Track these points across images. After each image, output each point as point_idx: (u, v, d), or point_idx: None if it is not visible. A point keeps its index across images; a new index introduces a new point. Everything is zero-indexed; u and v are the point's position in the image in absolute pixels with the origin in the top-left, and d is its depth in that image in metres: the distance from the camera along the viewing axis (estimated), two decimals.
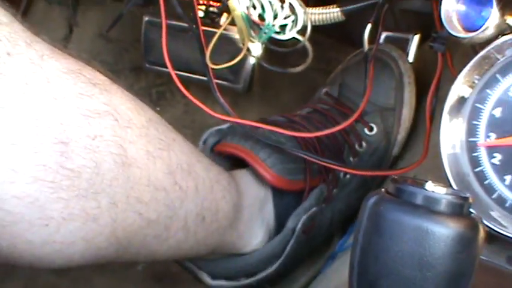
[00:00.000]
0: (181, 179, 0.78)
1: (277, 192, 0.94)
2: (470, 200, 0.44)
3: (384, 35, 0.99)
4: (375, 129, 0.99)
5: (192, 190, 0.80)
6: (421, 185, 0.44)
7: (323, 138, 0.94)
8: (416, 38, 0.99)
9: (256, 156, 0.91)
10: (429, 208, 0.43)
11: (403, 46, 0.99)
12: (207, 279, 0.96)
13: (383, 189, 0.45)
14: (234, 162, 0.95)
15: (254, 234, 0.94)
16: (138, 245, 0.76)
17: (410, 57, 0.99)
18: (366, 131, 0.99)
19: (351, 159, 0.97)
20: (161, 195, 0.75)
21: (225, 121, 0.93)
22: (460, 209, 0.43)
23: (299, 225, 0.92)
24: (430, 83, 0.79)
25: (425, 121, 0.79)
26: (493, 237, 0.64)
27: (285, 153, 0.92)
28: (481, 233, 0.44)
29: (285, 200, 0.94)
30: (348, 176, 0.98)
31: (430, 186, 0.44)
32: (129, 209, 0.72)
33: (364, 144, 0.98)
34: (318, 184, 0.95)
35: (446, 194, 0.43)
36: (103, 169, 0.68)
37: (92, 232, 0.69)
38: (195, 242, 0.83)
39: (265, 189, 0.94)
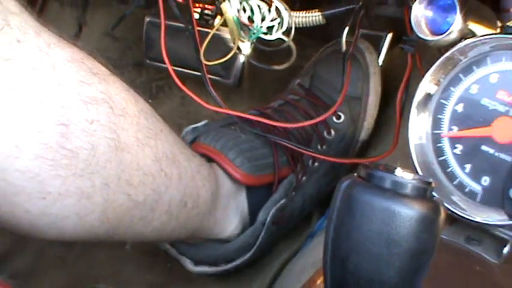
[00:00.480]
0: (167, 167, 0.77)
1: (249, 186, 0.92)
2: (433, 185, 0.43)
3: (359, 32, 0.98)
4: (342, 118, 0.96)
5: (176, 177, 0.79)
6: (391, 171, 0.44)
7: (292, 130, 0.92)
8: (389, 36, 0.99)
9: (225, 156, 0.89)
10: (396, 191, 0.42)
11: (377, 43, 0.99)
12: (190, 266, 0.94)
13: (355, 174, 0.45)
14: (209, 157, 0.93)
15: (229, 221, 0.92)
16: (126, 225, 0.75)
17: (383, 54, 0.99)
18: (334, 119, 0.96)
19: (319, 147, 0.95)
20: (149, 180, 0.74)
21: (210, 116, 0.93)
22: (423, 193, 0.43)
23: (268, 218, 0.90)
24: (401, 81, 0.78)
25: (396, 114, 0.79)
26: (453, 219, 0.65)
27: (253, 151, 0.90)
28: (442, 215, 0.43)
29: (257, 192, 0.92)
30: (316, 164, 0.95)
31: (399, 172, 0.44)
32: (120, 191, 0.71)
33: (332, 132, 0.96)
34: (287, 175, 0.93)
35: (411, 179, 0.43)
36: (98, 152, 0.67)
37: (85, 209, 0.68)
38: (177, 225, 0.82)
39: (238, 182, 0.92)
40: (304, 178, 0.95)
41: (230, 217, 0.92)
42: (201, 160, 0.87)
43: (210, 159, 0.91)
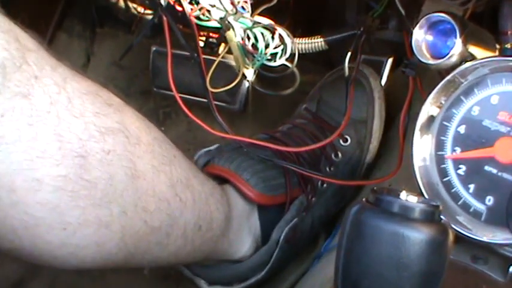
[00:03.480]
0: (181, 192, 0.77)
1: (262, 206, 0.92)
2: (441, 208, 0.43)
3: (362, 57, 0.98)
4: (349, 141, 0.97)
5: (190, 202, 0.79)
6: (396, 194, 0.43)
7: (302, 152, 0.92)
8: (390, 61, 0.99)
9: (239, 177, 0.89)
10: (405, 215, 0.42)
11: (378, 68, 0.99)
12: (204, 286, 0.94)
13: (364, 199, 0.44)
14: (221, 180, 0.92)
15: (242, 242, 0.92)
16: (143, 250, 0.75)
17: (384, 78, 0.98)
18: (341, 142, 0.97)
19: (327, 169, 0.95)
20: (164, 205, 0.74)
21: (216, 141, 0.93)
22: (431, 216, 0.42)
23: (282, 237, 0.90)
24: (402, 103, 0.78)
25: (398, 136, 0.78)
26: (459, 238, 0.64)
27: (267, 171, 0.91)
28: (450, 237, 0.43)
29: (269, 212, 0.92)
30: (325, 185, 0.95)
31: (403, 195, 0.43)
32: (137, 217, 0.71)
33: (339, 154, 0.96)
34: (298, 195, 0.92)
35: (419, 202, 0.42)
36: (115, 180, 0.67)
37: (104, 237, 0.68)
38: (192, 249, 0.82)
39: (251, 203, 0.92)
40: (313, 199, 0.94)
41: (243, 238, 0.92)
42: (213, 184, 0.87)
43: (223, 181, 0.90)
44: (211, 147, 0.95)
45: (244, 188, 0.89)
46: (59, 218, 0.64)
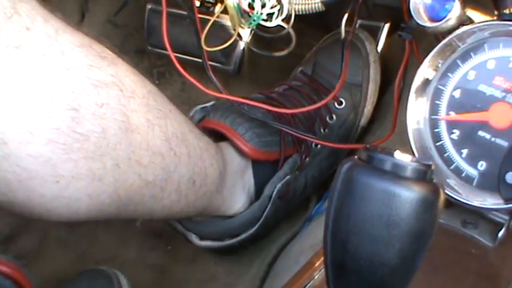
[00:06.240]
0: (176, 146, 0.77)
1: (256, 162, 0.93)
2: (433, 167, 0.42)
3: (358, 22, 0.98)
4: (344, 104, 0.97)
5: (185, 156, 0.79)
6: (389, 152, 0.43)
7: (297, 113, 0.93)
8: (386, 26, 0.99)
9: (234, 131, 0.90)
10: (396, 173, 0.41)
11: (375, 33, 0.99)
12: (196, 240, 0.95)
13: (356, 156, 0.44)
14: (216, 137, 0.93)
15: (236, 198, 0.93)
16: (136, 203, 0.75)
17: (381, 43, 0.99)
18: (336, 105, 0.97)
19: (322, 130, 0.96)
20: (158, 159, 0.74)
21: (210, 101, 0.93)
22: (423, 175, 0.42)
23: (275, 192, 0.91)
24: (398, 68, 0.77)
25: (393, 101, 0.78)
26: (450, 203, 0.64)
27: (261, 128, 0.91)
28: (442, 197, 0.43)
29: (263, 169, 0.93)
30: (319, 146, 0.96)
31: (398, 154, 0.43)
32: (130, 171, 0.71)
33: (334, 116, 0.97)
34: (292, 154, 0.93)
35: (411, 161, 0.42)
36: (108, 134, 0.67)
37: (97, 190, 0.68)
38: (186, 204, 0.82)
39: (245, 159, 0.93)
40: (307, 159, 0.95)
41: (237, 195, 0.93)
42: (208, 140, 0.87)
43: (217, 137, 0.91)
44: (207, 104, 0.95)
45: (239, 142, 0.89)
46: (52, 171, 0.64)
